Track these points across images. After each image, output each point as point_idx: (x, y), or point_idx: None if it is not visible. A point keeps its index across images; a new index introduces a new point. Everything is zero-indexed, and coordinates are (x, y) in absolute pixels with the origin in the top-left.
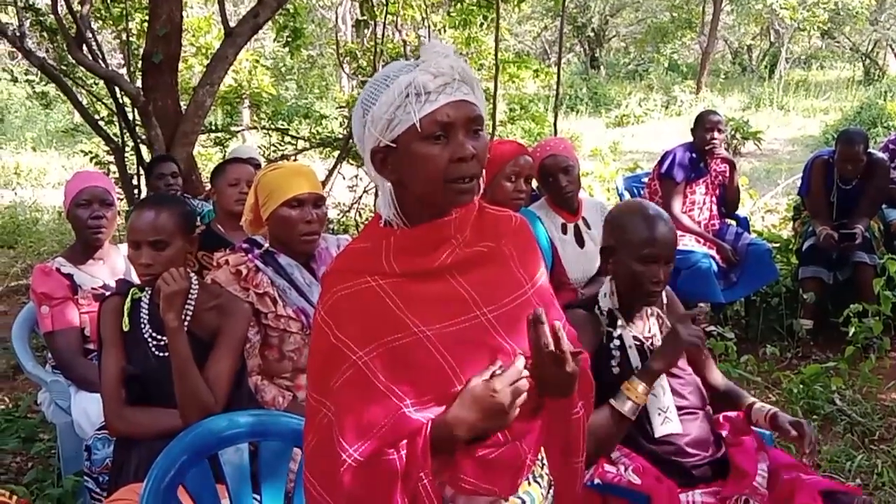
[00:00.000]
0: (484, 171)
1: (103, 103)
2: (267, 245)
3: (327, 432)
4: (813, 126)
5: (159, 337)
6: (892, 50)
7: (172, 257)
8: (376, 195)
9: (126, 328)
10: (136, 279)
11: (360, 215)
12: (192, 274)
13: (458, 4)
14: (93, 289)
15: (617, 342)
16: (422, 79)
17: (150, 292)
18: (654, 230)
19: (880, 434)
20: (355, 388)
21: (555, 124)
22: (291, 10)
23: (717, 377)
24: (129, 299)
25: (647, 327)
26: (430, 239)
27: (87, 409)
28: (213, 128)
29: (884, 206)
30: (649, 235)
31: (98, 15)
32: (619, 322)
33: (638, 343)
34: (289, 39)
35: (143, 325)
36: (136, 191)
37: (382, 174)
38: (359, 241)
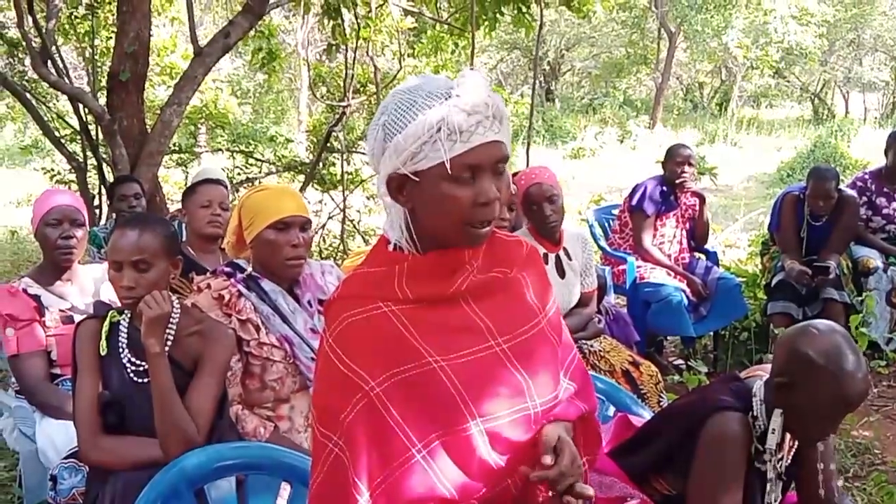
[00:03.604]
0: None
1: (65, 121)
2: (250, 269)
3: (334, 469)
4: (767, 163)
5: (138, 362)
6: (841, 91)
7: (156, 279)
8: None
9: (104, 352)
10: (107, 300)
11: (324, 241)
12: (173, 297)
13: (429, 32)
14: (60, 311)
15: (760, 467)
16: (455, 118)
17: (129, 315)
18: (858, 389)
19: (854, 471)
20: (368, 424)
21: (527, 154)
22: (265, 32)
23: None
24: (107, 322)
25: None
26: (445, 264)
27: (53, 437)
28: (177, 148)
29: (852, 243)
30: (849, 398)
31: (63, 31)
32: (779, 456)
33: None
34: (264, 61)
35: (121, 350)
36: (97, 211)
37: (396, 200)
38: (366, 266)
